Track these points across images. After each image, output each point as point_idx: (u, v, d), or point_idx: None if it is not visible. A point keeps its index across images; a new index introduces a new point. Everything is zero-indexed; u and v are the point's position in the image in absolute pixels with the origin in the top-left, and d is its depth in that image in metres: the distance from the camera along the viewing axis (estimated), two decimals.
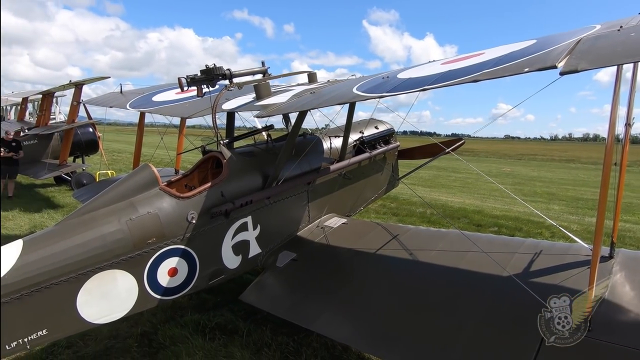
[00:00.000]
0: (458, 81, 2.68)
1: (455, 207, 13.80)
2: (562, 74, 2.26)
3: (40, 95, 15.36)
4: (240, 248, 4.67)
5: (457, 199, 15.93)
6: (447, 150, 4.50)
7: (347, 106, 5.61)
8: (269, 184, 4.82)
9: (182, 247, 4.15)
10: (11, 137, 12.73)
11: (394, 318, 3.58)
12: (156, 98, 6.98)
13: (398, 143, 7.00)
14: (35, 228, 9.71)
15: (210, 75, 4.57)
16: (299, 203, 5.34)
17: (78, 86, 12.32)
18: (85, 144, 15.18)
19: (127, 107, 6.90)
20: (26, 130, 14.37)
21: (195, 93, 6.21)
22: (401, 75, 3.81)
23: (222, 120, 5.91)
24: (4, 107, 24.27)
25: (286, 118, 6.37)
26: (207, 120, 5.89)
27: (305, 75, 6.12)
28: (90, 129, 15.35)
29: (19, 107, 18.41)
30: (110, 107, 7.36)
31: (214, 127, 4.75)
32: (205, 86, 4.62)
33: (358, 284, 4.22)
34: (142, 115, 7.56)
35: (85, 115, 14.68)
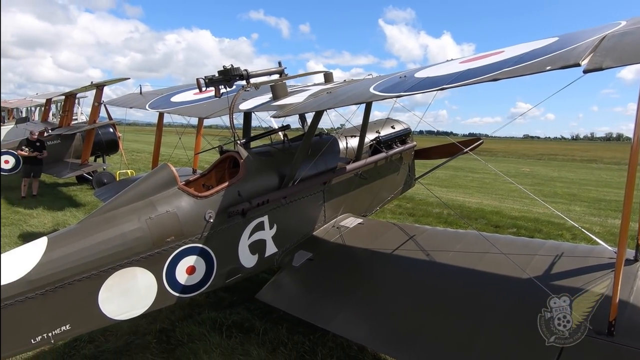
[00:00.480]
0: (477, 80, 2.64)
1: (472, 208, 13.62)
2: (585, 72, 2.20)
3: (63, 97, 15.77)
4: (257, 247, 4.70)
5: (474, 200, 15.71)
6: (465, 150, 4.44)
7: (363, 105, 5.60)
8: (286, 183, 4.85)
9: (200, 245, 4.20)
10: (35, 137, 13.10)
11: (410, 319, 3.55)
12: (175, 99, 7.09)
13: (414, 143, 6.95)
14: (58, 226, 9.98)
15: (228, 76, 4.62)
16: (315, 203, 5.35)
17: (99, 87, 12.61)
18: (106, 143, 15.52)
19: (147, 107, 7.03)
20: (50, 131, 14.76)
21: (212, 93, 6.28)
22: (419, 75, 3.78)
23: (238, 120, 5.97)
24: (29, 108, 24.99)
25: (302, 118, 6.39)
26: (224, 120, 5.97)
27: (322, 75, 6.13)
28: (111, 129, 15.68)
29: (42, 108, 18.94)
30: (131, 107, 7.51)
31: (231, 127, 4.80)
32: (222, 86, 4.67)
33: (375, 284, 4.20)
34: (161, 115, 7.70)
35: (105, 115, 15.09)
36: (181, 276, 4.13)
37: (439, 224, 11.13)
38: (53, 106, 20.22)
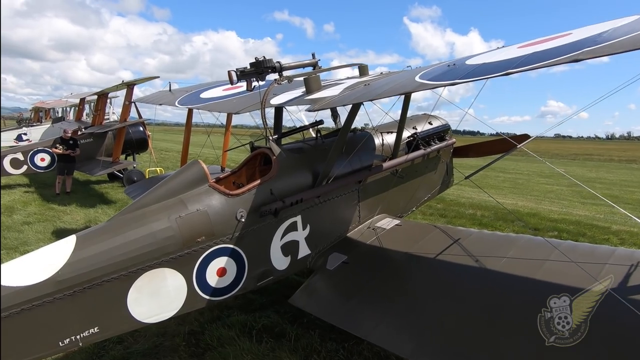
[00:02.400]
0: (554, 62, 2.30)
1: (530, 214, 12.95)
2: None
3: (96, 96, 16.08)
4: (290, 248, 4.48)
5: (508, 200, 15.04)
6: (518, 146, 4.05)
7: (399, 102, 5.28)
8: (319, 182, 4.60)
9: (231, 246, 4.01)
10: (69, 135, 13.37)
11: (462, 333, 3.23)
12: (204, 95, 6.96)
13: (453, 140, 6.56)
14: (90, 222, 10.10)
15: (260, 68, 4.40)
16: (350, 202, 5.08)
17: (130, 86, 12.74)
18: (136, 142, 15.74)
19: (176, 104, 6.94)
20: (83, 130, 15.07)
21: (243, 89, 6.09)
22: (471, 62, 3.45)
23: (269, 116, 5.77)
24: (65, 109, 25.76)
25: (334, 114, 6.13)
26: (253, 117, 5.78)
27: (356, 69, 5.84)
28: (141, 128, 15.89)
29: (77, 108, 19.43)
30: (160, 104, 7.44)
31: (264, 123, 4.58)
32: (254, 80, 4.46)
33: (417, 292, 3.89)
34: (190, 112, 7.60)
35: (136, 114, 15.29)
36: (212, 278, 3.94)
37: (474, 226, 10.64)
38: (87, 106, 20.71)
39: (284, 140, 5.24)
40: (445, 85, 3.10)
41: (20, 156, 13.85)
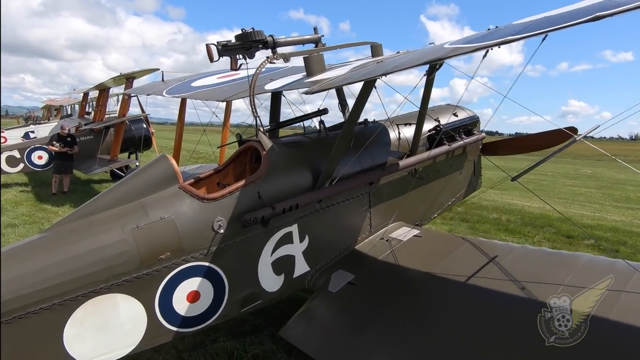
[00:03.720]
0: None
1: (535, 214, 11.89)
2: None
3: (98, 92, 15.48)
4: (283, 265, 3.61)
5: (535, 204, 13.88)
6: (577, 138, 3.11)
7: (414, 95, 4.35)
8: (321, 183, 3.71)
9: (206, 264, 3.15)
10: (66, 132, 12.75)
11: None
12: (196, 83, 6.13)
13: (483, 134, 5.57)
14: None
15: (247, 42, 3.53)
16: (359, 208, 4.18)
17: (128, 79, 12.04)
18: (139, 139, 15.07)
19: (164, 93, 6.12)
20: (83, 126, 14.47)
21: (241, 74, 5.30)
22: (521, 21, 2.53)
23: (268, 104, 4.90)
24: (73, 106, 25.44)
25: (342, 102, 5.22)
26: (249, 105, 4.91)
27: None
28: (144, 125, 15.23)
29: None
30: (148, 95, 6.65)
31: (252, 111, 3.71)
32: (240, 57, 3.60)
33: (444, 326, 2.98)
34: (183, 102, 6.78)
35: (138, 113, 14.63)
36: (180, 304, 3.09)
37: (499, 233, 9.62)
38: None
39: (282, 133, 4.37)
40: (488, 47, 2.21)
41: (16, 154, 13.30)
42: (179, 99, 6.87)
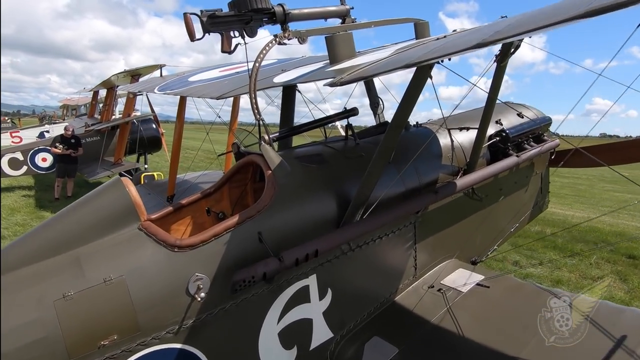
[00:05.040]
0: None
1: (582, 226, 10.44)
2: None
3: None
4: (296, 334, 2.52)
5: (578, 213, 12.46)
6: None
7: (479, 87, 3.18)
8: (351, 215, 2.60)
9: (178, 346, 2.09)
10: (70, 133, 11.97)
11: None
12: (194, 78, 5.10)
13: (557, 141, 4.33)
14: None
15: (246, 13, 2.44)
16: (400, 245, 3.05)
17: (134, 76, 11.12)
18: (147, 140, 14.21)
19: (156, 90, 5.13)
20: (89, 126, 13.71)
21: (246, 67, 4.26)
22: None
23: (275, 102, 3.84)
24: (87, 105, 25.07)
25: (374, 100, 4.08)
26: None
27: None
28: (153, 125, 14.39)
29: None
30: (140, 92, 5.67)
31: (254, 110, 2.62)
32: (234, 35, 2.51)
33: None
34: (182, 101, 5.75)
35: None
36: None
37: (546, 251, 8.32)
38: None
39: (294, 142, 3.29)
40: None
41: (19, 156, 12.59)
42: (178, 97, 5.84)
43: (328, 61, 3.15)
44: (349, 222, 2.61)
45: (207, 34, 2.39)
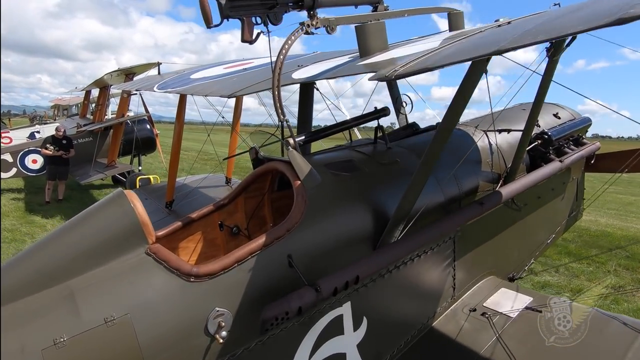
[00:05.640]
0: None
1: (592, 230, 10.21)
2: None
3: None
4: None
5: (585, 216, 12.15)
6: None
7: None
8: (390, 232, 2.24)
9: None
10: (61, 133, 11.48)
11: None
12: (196, 75, 4.71)
13: (597, 144, 3.98)
14: None
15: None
16: (439, 263, 2.70)
17: (128, 75, 10.70)
18: (142, 141, 13.74)
19: (155, 88, 4.73)
20: (81, 126, 13.23)
21: (254, 64, 3.96)
22: None
23: (292, 99, 3.49)
24: (78, 104, 24.56)
25: (398, 99, 3.73)
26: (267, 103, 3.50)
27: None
28: (148, 126, 13.93)
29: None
30: (137, 90, 5.26)
31: (278, 111, 2.24)
32: (256, 20, 2.14)
33: None
34: (182, 100, 5.35)
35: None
36: None
37: (561, 257, 8.02)
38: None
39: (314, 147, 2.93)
40: None
41: (8, 157, 12.08)
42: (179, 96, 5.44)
43: (350, 55, 2.80)
44: (388, 240, 2.25)
45: (225, 20, 2.02)
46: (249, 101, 6.05)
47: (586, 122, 4.07)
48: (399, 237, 2.28)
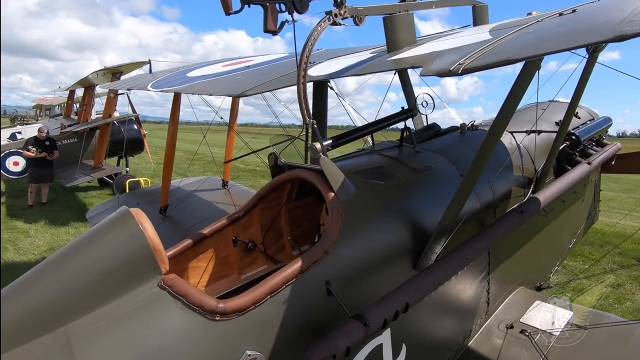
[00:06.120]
0: None
1: (615, 234, 10.00)
2: None
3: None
4: None
5: (607, 219, 11.99)
6: None
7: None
8: (433, 245, 2.01)
9: None
10: (44, 135, 10.97)
11: None
12: (193, 73, 4.40)
13: (618, 144, 3.82)
14: (53, 250, 7.66)
15: None
16: (474, 277, 2.48)
17: (115, 74, 10.26)
18: (129, 142, 13.27)
19: (149, 87, 4.41)
20: (65, 127, 12.70)
21: (255, 62, 3.69)
22: None
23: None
24: (62, 105, 23.87)
25: (411, 97, 3.49)
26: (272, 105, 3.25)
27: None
28: (135, 126, 13.48)
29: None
30: (129, 90, 4.92)
31: (303, 110, 1.98)
32: (281, 9, 1.88)
33: None
34: (177, 99, 5.02)
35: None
36: None
37: (573, 262, 7.89)
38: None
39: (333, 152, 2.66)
40: None
41: None
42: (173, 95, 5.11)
43: (371, 51, 2.55)
44: (429, 256, 2.01)
45: (246, 6, 1.75)
46: (251, 99, 5.75)
47: (608, 122, 3.91)
48: (440, 253, 2.05)
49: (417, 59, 1.89)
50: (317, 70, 2.73)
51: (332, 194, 1.83)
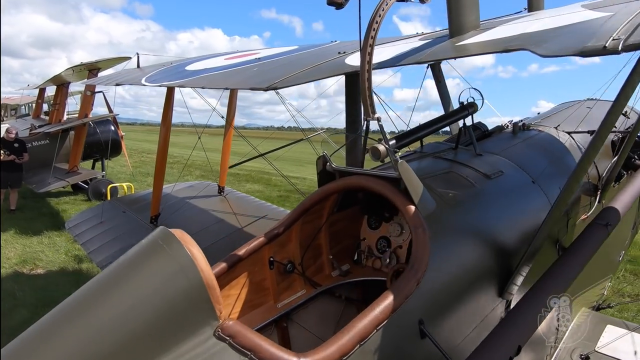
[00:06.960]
0: None
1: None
2: None
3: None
4: None
5: None
6: None
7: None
8: (521, 268, 1.67)
9: None
10: (12, 136, 10.14)
11: None
12: (194, 67, 3.95)
13: None
14: (25, 263, 6.97)
15: None
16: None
17: (92, 71, 9.58)
18: (105, 144, 12.50)
19: (144, 82, 3.93)
20: (36, 128, 11.84)
21: (259, 55, 3.31)
22: None
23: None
24: (30, 104, 22.67)
25: (443, 91, 3.15)
26: (289, 101, 2.86)
27: None
28: (112, 127, 12.73)
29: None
30: (117, 85, 4.41)
31: (367, 105, 1.59)
32: None
33: None
34: (170, 95, 4.52)
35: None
36: None
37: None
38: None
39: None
40: None
41: None
42: (165, 91, 4.61)
43: (417, 38, 2.19)
44: (517, 280, 1.66)
45: None
46: (243, 94, 5.31)
47: None
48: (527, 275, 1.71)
49: (516, 40, 1.53)
50: (355, 60, 2.35)
51: (413, 207, 1.46)
